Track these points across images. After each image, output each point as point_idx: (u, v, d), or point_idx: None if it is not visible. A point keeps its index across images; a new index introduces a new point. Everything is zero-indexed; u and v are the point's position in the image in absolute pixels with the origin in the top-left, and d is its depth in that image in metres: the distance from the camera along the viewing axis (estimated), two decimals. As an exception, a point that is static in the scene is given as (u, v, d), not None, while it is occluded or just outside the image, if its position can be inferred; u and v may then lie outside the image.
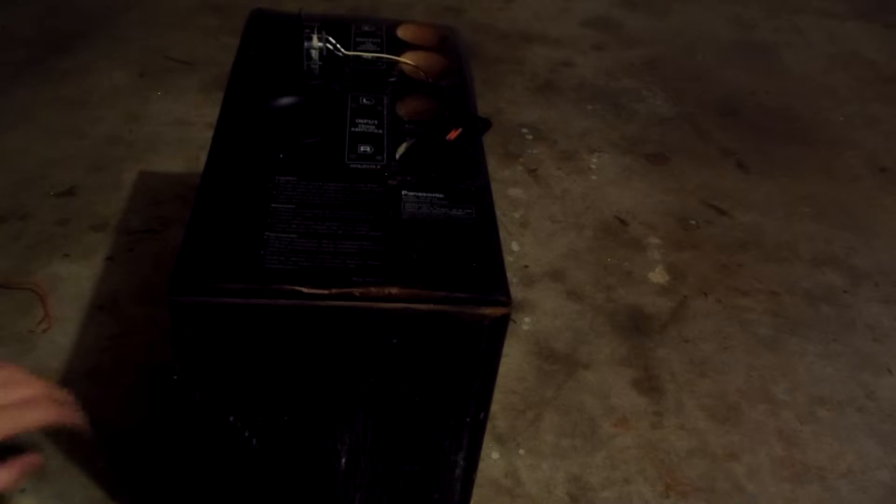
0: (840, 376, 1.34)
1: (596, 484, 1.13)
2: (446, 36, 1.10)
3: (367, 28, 1.08)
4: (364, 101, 0.95)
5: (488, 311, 0.73)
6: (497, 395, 0.83)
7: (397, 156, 0.87)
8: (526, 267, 1.48)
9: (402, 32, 1.09)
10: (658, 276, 1.50)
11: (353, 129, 0.90)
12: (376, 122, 0.92)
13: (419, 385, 0.78)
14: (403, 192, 0.82)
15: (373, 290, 0.72)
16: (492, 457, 1.15)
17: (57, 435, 1.10)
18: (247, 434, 0.81)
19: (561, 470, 1.15)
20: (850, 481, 1.18)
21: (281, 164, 0.84)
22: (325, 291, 0.71)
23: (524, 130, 1.85)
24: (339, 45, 0.99)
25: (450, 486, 0.89)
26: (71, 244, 1.41)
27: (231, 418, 0.79)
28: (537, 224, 1.59)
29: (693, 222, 1.64)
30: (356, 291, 0.71)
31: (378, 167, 0.85)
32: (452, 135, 0.89)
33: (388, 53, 1.03)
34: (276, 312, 0.72)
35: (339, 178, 0.83)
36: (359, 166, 0.85)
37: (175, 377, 0.75)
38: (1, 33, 1.98)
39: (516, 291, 1.40)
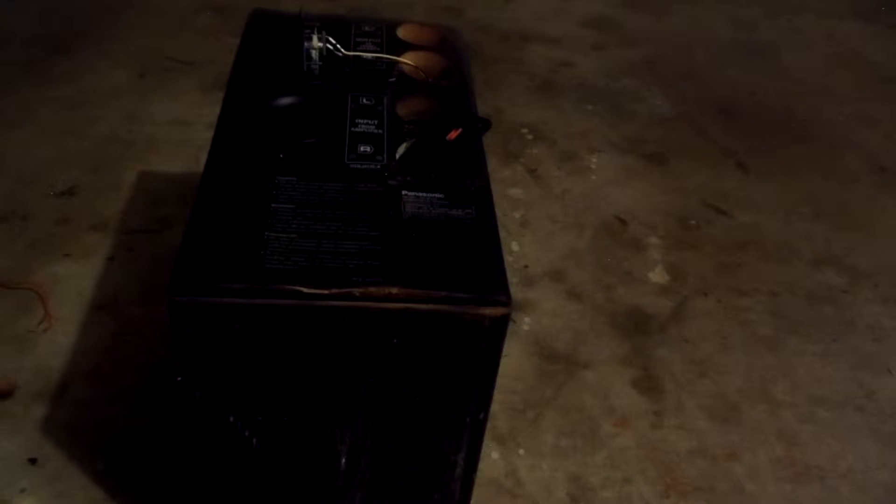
0: (840, 376, 1.34)
1: (596, 484, 1.13)
2: (446, 36, 1.10)
3: (367, 28, 1.08)
4: (364, 101, 0.95)
5: (488, 311, 0.73)
6: (497, 395, 0.83)
7: (397, 156, 0.87)
8: (526, 267, 1.48)
9: (402, 32, 1.09)
10: (658, 276, 1.50)
11: (353, 129, 0.90)
12: (376, 122, 0.92)
13: (419, 385, 0.79)
14: (403, 192, 0.82)
15: (373, 290, 0.72)
16: (492, 457, 1.15)
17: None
18: (247, 434, 0.81)
19: (561, 470, 1.15)
20: (850, 481, 1.18)
21: (281, 164, 0.84)
22: (325, 291, 0.71)
23: (524, 130, 1.85)
24: (339, 46, 0.99)
25: (450, 486, 0.89)
26: (71, 244, 1.41)
27: (231, 418, 0.79)
28: (537, 224, 1.59)
29: (693, 222, 1.64)
30: (356, 291, 0.71)
31: (378, 167, 0.85)
32: (452, 135, 0.89)
33: (388, 53, 1.03)
34: (276, 312, 0.72)
35: (339, 178, 0.83)
36: (359, 166, 0.85)
37: (178, 378, 0.75)
38: (1, 33, 1.98)
39: (516, 291, 1.40)
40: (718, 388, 1.29)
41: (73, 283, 1.34)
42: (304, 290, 0.71)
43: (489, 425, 0.95)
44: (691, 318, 1.41)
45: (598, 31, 2.29)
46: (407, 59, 1.02)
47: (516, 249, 1.52)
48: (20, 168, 1.58)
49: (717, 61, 2.22)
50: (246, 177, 0.82)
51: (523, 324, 1.36)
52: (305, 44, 0.96)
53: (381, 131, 0.90)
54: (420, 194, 0.82)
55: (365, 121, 0.92)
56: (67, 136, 1.68)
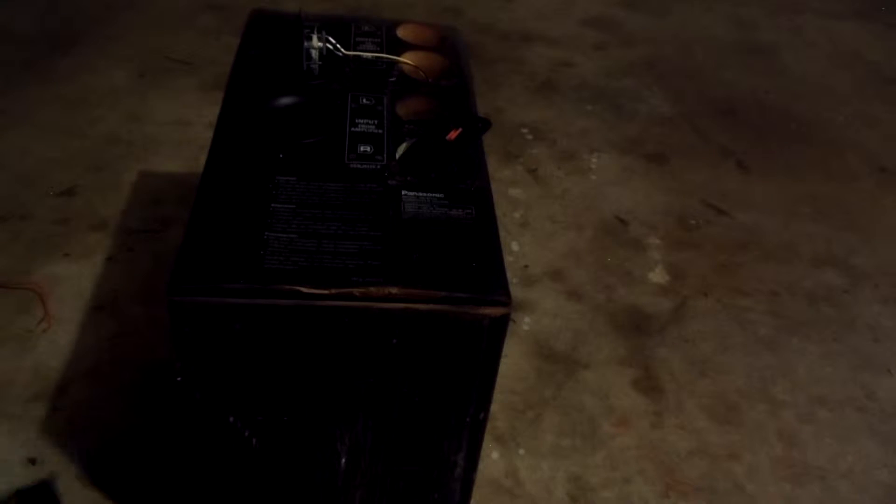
0: (840, 376, 1.34)
1: (596, 484, 1.13)
2: (446, 36, 1.10)
3: (367, 28, 1.08)
4: (364, 101, 0.95)
5: (488, 311, 0.73)
6: (497, 395, 0.83)
7: (397, 156, 0.87)
8: (526, 267, 1.48)
9: (402, 32, 1.09)
10: (658, 276, 1.50)
11: (353, 129, 0.90)
12: (376, 122, 0.92)
13: (419, 385, 0.79)
14: (403, 192, 0.82)
15: (373, 290, 0.72)
16: (492, 457, 1.15)
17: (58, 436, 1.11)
18: (247, 434, 0.81)
19: (561, 470, 1.15)
20: (850, 481, 1.18)
21: (281, 164, 0.84)
22: (325, 291, 0.71)
23: (524, 130, 1.85)
24: (339, 45, 0.99)
25: (450, 487, 0.89)
26: (71, 244, 1.41)
27: (231, 418, 0.79)
28: (537, 224, 1.59)
29: (693, 222, 1.64)
30: (356, 291, 0.71)
31: (378, 167, 0.85)
32: (452, 135, 0.89)
33: (388, 53, 1.03)
34: (276, 312, 0.72)
35: (339, 178, 0.83)
36: (359, 166, 0.85)
37: (178, 378, 0.75)
38: (1, 33, 1.98)
39: (516, 291, 1.40)
40: (718, 388, 1.29)
41: (73, 283, 1.34)
42: (304, 290, 0.71)
43: (489, 425, 0.95)
44: (691, 318, 1.41)
45: (598, 31, 2.29)
46: (407, 59, 1.02)
47: (516, 249, 1.52)
48: (20, 168, 1.58)
49: (717, 61, 2.22)
50: (246, 177, 0.82)
51: (523, 324, 1.36)
52: (305, 44, 0.96)
53: (381, 131, 0.90)
54: (420, 194, 0.82)
55: (365, 121, 0.92)
56: (67, 136, 1.68)
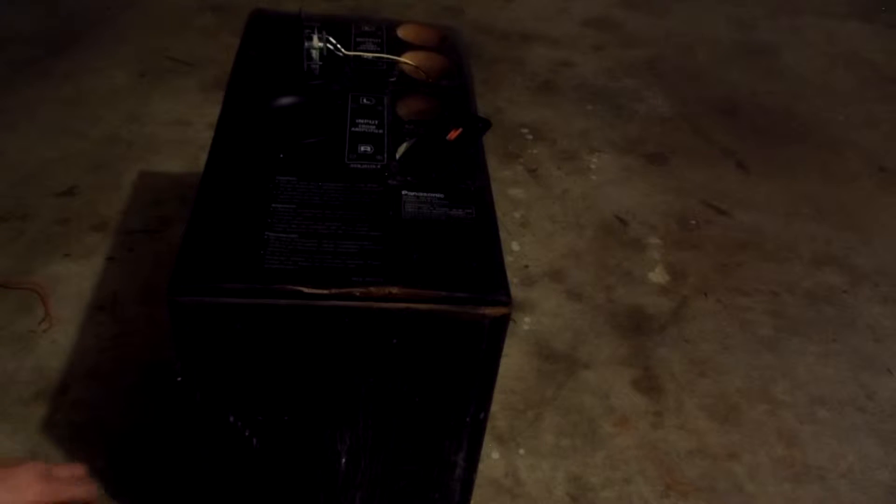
0: (840, 376, 1.34)
1: (596, 484, 1.13)
2: (446, 36, 1.10)
3: (367, 28, 1.08)
4: (364, 101, 0.95)
5: (488, 311, 0.73)
6: (497, 395, 0.83)
7: (397, 156, 0.87)
8: (526, 267, 1.48)
9: (402, 32, 1.09)
10: (658, 276, 1.50)
11: (353, 129, 0.90)
12: (376, 122, 0.92)
13: (419, 385, 0.79)
14: (403, 192, 0.82)
15: (373, 290, 0.72)
16: (492, 457, 1.15)
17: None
18: (247, 434, 0.81)
19: (561, 470, 1.15)
20: (850, 481, 1.18)
21: (281, 164, 0.84)
22: (325, 291, 0.71)
23: (524, 130, 1.85)
24: (339, 45, 0.99)
25: (450, 486, 0.89)
26: (71, 244, 1.41)
27: (231, 418, 0.79)
28: (537, 224, 1.59)
29: (693, 222, 1.64)
30: (356, 291, 0.71)
31: (378, 167, 0.85)
32: (452, 135, 0.89)
33: (388, 53, 1.03)
34: (276, 312, 0.72)
35: (340, 178, 0.83)
36: (359, 166, 0.85)
37: (178, 379, 0.75)
38: (1, 33, 1.98)
39: (516, 291, 1.40)
40: (718, 388, 1.29)
41: (73, 283, 1.34)
42: (305, 290, 0.71)
43: (489, 425, 0.95)
44: (691, 318, 1.41)
45: (598, 31, 2.29)
46: (407, 59, 1.02)
47: (516, 249, 1.52)
48: (20, 168, 1.58)
49: (717, 61, 2.22)
50: (246, 177, 0.82)
51: (523, 324, 1.36)
52: (305, 44, 0.96)
53: (381, 131, 0.90)
54: (420, 194, 0.82)
55: (365, 121, 0.92)
56: (67, 136, 1.68)
